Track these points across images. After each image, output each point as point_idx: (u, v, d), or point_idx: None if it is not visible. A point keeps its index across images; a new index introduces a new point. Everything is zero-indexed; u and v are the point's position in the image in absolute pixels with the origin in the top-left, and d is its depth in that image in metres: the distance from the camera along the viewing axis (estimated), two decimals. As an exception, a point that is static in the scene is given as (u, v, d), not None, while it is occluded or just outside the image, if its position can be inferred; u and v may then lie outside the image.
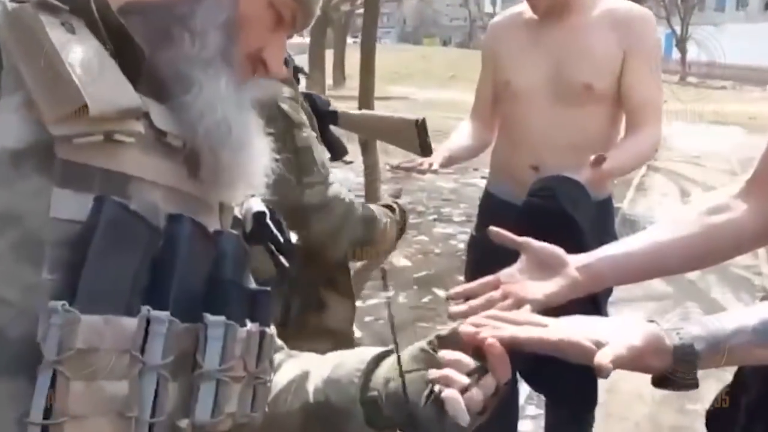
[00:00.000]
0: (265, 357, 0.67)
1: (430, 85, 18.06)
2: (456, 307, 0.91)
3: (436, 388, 0.64)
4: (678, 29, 28.69)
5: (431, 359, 0.69)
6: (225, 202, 0.74)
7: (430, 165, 1.63)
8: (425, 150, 1.55)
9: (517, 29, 1.82)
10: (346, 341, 1.38)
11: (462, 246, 4.28)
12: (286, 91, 1.22)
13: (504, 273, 0.96)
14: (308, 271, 1.27)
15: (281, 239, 0.85)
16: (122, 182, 0.59)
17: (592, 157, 1.47)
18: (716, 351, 0.70)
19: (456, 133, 1.90)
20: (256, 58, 0.72)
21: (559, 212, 1.41)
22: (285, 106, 1.20)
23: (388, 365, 0.72)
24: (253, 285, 0.71)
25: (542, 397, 2.13)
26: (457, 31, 41.79)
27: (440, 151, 1.72)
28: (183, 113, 0.66)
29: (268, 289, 0.68)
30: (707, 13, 36.57)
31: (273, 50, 0.73)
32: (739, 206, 1.00)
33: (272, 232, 0.84)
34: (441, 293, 3.76)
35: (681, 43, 28.55)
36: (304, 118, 1.23)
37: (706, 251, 1.00)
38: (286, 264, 0.84)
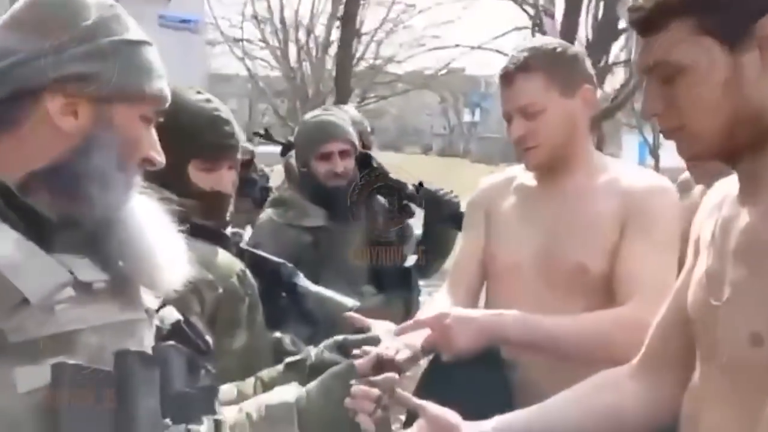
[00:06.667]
0: None
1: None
2: None
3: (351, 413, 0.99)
4: (650, 138, 29.71)
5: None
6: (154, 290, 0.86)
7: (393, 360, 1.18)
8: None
9: (510, 195, 1.52)
10: None
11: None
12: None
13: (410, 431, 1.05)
14: None
15: (198, 342, 0.95)
16: (67, 339, 0.72)
17: None
18: None
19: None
20: (142, 161, 0.83)
21: None
22: None
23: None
24: (201, 383, 0.87)
25: None
26: (437, 139, 43.26)
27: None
28: (103, 255, 0.79)
29: (213, 385, 0.89)
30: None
31: (152, 146, 0.84)
32: (627, 387, 0.99)
33: (189, 335, 0.94)
34: None
35: (654, 150, 29.46)
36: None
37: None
38: (210, 369, 0.93)
